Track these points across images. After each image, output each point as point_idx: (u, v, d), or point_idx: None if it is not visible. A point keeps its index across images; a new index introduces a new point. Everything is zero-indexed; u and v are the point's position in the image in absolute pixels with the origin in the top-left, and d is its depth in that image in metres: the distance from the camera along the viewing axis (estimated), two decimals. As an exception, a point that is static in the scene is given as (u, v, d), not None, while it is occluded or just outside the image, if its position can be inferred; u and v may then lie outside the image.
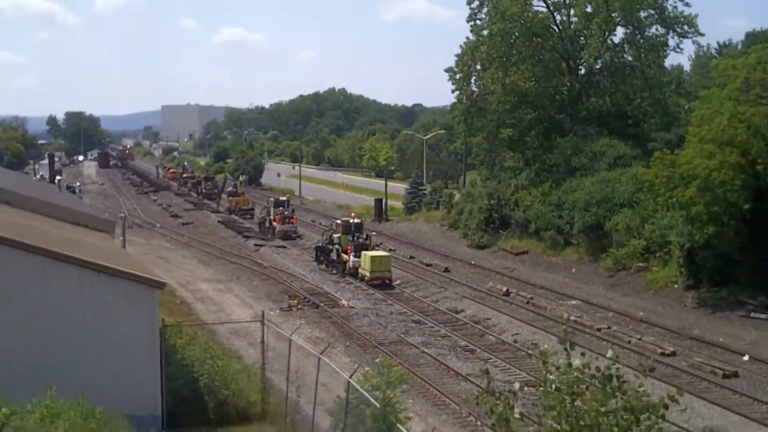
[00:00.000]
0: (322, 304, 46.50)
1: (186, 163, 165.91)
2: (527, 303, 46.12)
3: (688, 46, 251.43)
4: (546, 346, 35.41)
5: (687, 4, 67.71)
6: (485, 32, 70.91)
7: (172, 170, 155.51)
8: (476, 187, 74.33)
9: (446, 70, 73.75)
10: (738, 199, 41.08)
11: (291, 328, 34.09)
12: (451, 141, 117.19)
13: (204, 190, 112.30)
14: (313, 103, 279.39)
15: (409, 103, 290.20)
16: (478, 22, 72.08)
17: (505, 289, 49.23)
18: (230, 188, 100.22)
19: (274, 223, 74.97)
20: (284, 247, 68.70)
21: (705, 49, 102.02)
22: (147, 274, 25.04)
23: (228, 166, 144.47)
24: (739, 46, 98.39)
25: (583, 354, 10.74)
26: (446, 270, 57.11)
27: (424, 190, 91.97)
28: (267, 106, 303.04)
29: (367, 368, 31.33)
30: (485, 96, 72.13)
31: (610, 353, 11.06)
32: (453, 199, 78.13)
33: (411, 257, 62.67)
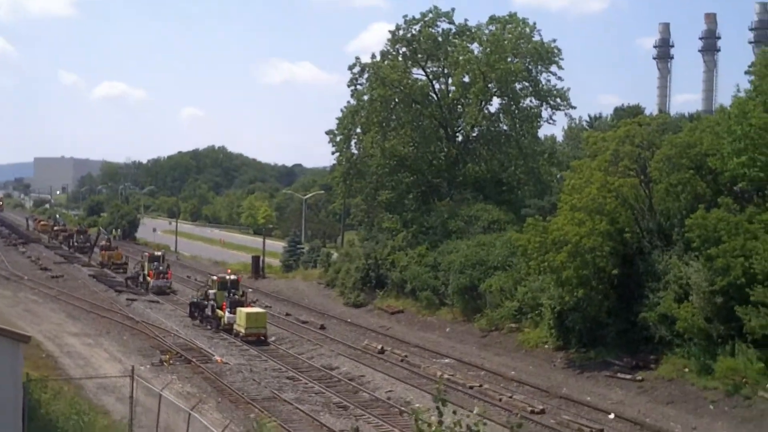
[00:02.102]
0: (194, 360, 45.69)
1: (58, 216, 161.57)
2: (402, 361, 46.42)
3: (561, 118, 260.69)
4: (418, 404, 35.82)
5: (560, 78, 70.72)
6: (366, 97, 72.19)
7: (43, 222, 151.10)
8: (354, 247, 74.89)
9: (327, 133, 74.74)
10: (606, 265, 42.59)
11: (162, 384, 33.51)
12: (330, 201, 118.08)
13: (76, 244, 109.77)
14: (192, 159, 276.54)
15: (289, 163, 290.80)
16: (358, 87, 73.37)
17: (380, 347, 49.53)
18: (103, 242, 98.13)
19: (148, 278, 73.77)
20: (157, 302, 67.47)
21: (577, 121, 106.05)
22: (10, 327, 24.30)
23: (102, 220, 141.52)
24: (609, 120, 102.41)
25: (454, 412, 11.03)
26: (322, 327, 57.22)
27: (302, 248, 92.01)
28: (145, 161, 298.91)
29: (239, 426, 31.04)
30: (365, 159, 73.08)
31: (476, 410, 11.38)
32: (330, 258, 78.44)
33: (287, 314, 62.54)
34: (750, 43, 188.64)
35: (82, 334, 52.81)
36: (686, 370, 38.00)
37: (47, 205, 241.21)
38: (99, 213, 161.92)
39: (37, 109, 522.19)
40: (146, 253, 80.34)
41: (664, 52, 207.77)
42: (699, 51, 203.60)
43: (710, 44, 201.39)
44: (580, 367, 42.56)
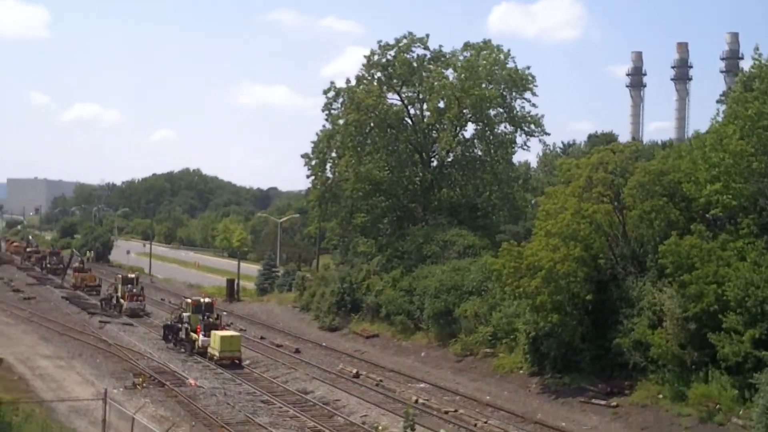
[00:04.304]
0: (168, 383, 45.42)
1: (30, 237, 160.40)
2: (377, 385, 46.35)
3: (535, 145, 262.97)
4: (394, 429, 35.80)
5: (534, 105, 71.29)
6: (341, 121, 72.31)
7: (15, 244, 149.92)
8: (329, 270, 74.80)
9: (302, 156, 74.69)
10: (580, 290, 42.80)
11: (135, 407, 33.37)
12: (305, 225, 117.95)
13: (49, 265, 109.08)
14: (166, 182, 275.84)
15: (264, 187, 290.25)
16: (333, 111, 73.47)
17: (355, 371, 49.45)
18: (76, 264, 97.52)
19: (122, 301, 73.34)
20: (131, 324, 67.06)
21: (551, 148, 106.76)
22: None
23: (75, 242, 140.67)
24: (582, 147, 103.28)
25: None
26: (297, 351, 57.08)
27: (277, 272, 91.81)
28: (119, 183, 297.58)
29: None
30: (340, 183, 73.06)
31: (442, 431, 11.53)
32: (306, 282, 78.31)
33: (262, 338, 62.32)
34: (721, 72, 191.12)
35: (55, 357, 52.40)
36: (660, 396, 38.22)
37: (19, 227, 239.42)
38: (72, 235, 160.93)
39: (10, 131, 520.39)
40: (119, 276, 79.86)
41: (636, 80, 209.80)
42: (671, 79, 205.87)
43: (682, 73, 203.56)
44: (554, 393, 42.67)
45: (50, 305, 78.09)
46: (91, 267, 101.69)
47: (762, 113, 39.31)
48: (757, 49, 42.06)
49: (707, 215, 41.97)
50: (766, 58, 41.67)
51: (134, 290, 74.09)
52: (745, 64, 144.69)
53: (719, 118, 43.98)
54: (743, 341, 34.88)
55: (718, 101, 44.12)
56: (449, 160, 73.59)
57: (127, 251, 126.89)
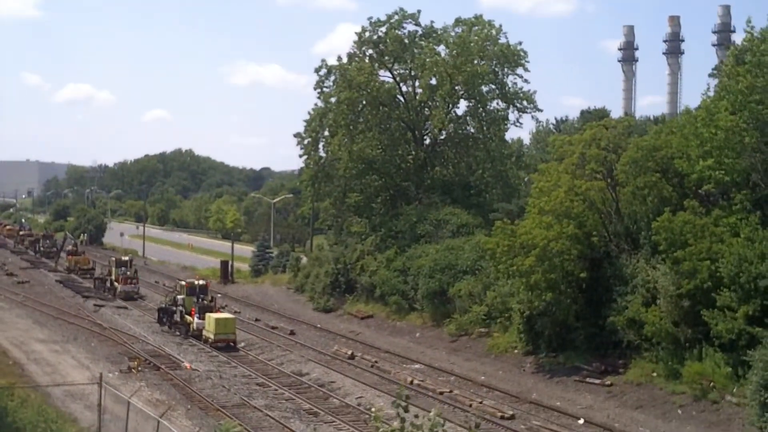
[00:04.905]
0: (163, 366, 45.43)
1: (23, 220, 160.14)
2: (372, 366, 46.40)
3: (528, 121, 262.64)
4: (389, 411, 35.77)
5: (526, 81, 71.13)
6: (333, 99, 72.00)
7: (8, 227, 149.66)
8: (323, 251, 74.81)
9: (295, 135, 74.47)
10: (574, 268, 42.81)
11: (130, 391, 33.32)
12: (298, 205, 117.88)
13: (42, 249, 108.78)
14: (159, 163, 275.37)
15: (257, 167, 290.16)
16: (325, 89, 73.11)
17: (350, 352, 49.51)
18: (70, 247, 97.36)
19: (116, 284, 73.20)
20: (125, 308, 67.01)
21: (544, 124, 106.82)
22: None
23: (68, 225, 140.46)
24: (575, 123, 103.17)
25: (416, 416, 11.12)
26: (292, 333, 57.10)
27: (271, 253, 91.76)
28: (111, 164, 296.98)
29: None
30: (333, 162, 72.86)
31: (433, 411, 11.48)
32: (300, 263, 78.29)
33: (256, 320, 62.34)
34: (713, 45, 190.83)
35: (49, 341, 52.34)
36: (654, 374, 38.26)
37: (12, 209, 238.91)
38: (65, 217, 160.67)
39: (1, 112, 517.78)
40: (113, 258, 79.69)
41: (628, 54, 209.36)
42: (663, 53, 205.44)
43: (674, 47, 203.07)
44: (549, 372, 42.73)
45: (44, 289, 78.00)
46: (84, 250, 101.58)
47: (753, 87, 39.16)
48: (749, 21, 41.97)
49: (700, 191, 41.87)
50: (758, 31, 41.52)
51: (128, 273, 73.91)
52: (738, 38, 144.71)
53: (710, 93, 43.88)
54: (737, 318, 34.84)
55: (710, 75, 44.06)
56: (442, 137, 73.40)
57: (121, 233, 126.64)
